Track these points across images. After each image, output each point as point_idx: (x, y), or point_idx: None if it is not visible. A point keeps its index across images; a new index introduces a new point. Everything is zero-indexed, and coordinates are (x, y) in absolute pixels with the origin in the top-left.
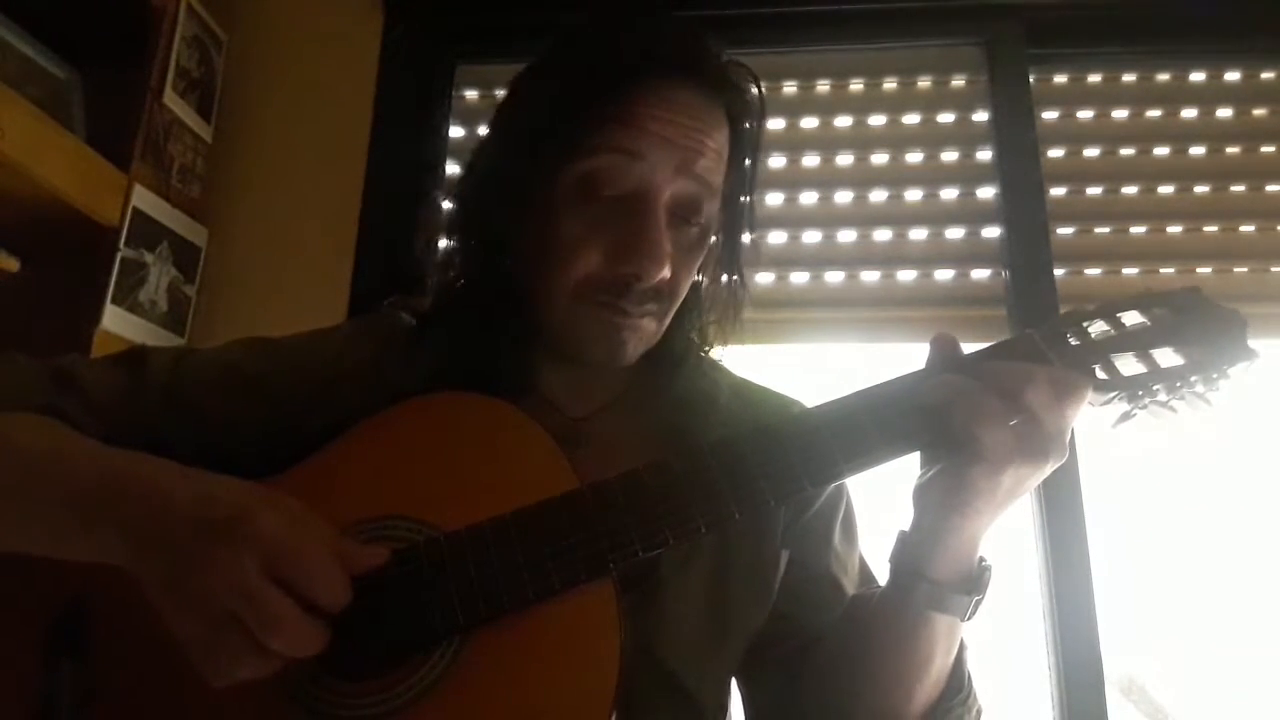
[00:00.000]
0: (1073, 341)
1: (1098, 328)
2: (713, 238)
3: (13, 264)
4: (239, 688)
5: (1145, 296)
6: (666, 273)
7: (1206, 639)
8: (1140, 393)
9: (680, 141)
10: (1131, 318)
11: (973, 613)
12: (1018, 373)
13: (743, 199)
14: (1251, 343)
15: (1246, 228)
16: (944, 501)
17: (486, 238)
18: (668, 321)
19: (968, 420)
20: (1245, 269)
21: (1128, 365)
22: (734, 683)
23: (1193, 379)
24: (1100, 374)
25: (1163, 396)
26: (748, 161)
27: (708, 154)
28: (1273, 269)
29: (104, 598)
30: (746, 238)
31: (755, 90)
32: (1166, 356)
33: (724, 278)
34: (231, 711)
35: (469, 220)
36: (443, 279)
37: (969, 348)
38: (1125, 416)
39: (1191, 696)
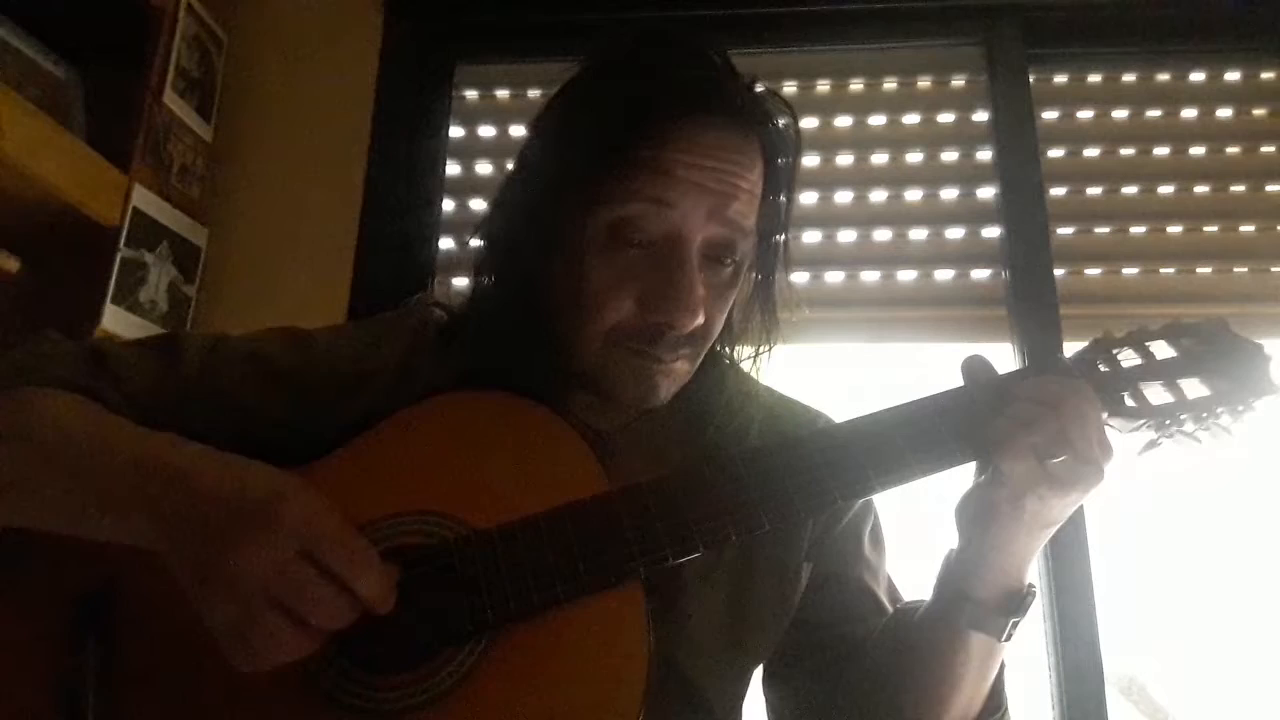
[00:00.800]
0: (1103, 368)
1: (1127, 356)
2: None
3: (13, 264)
4: (263, 676)
5: (1174, 327)
6: (700, 319)
7: (1206, 639)
8: (1167, 422)
9: (713, 186)
10: (1160, 348)
11: (1010, 634)
12: (1043, 410)
13: (782, 201)
14: (1275, 376)
15: (1246, 228)
16: (975, 522)
17: (515, 278)
18: (701, 358)
19: (993, 447)
20: (1245, 269)
21: (1155, 394)
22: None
23: (1218, 410)
24: (1129, 402)
25: (1189, 427)
26: (785, 167)
27: (741, 197)
28: (1273, 269)
29: (132, 581)
30: (782, 239)
31: (785, 106)
32: (1193, 387)
33: (759, 304)
34: (255, 699)
35: (497, 260)
36: (472, 300)
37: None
38: (1151, 445)
39: (1191, 696)
